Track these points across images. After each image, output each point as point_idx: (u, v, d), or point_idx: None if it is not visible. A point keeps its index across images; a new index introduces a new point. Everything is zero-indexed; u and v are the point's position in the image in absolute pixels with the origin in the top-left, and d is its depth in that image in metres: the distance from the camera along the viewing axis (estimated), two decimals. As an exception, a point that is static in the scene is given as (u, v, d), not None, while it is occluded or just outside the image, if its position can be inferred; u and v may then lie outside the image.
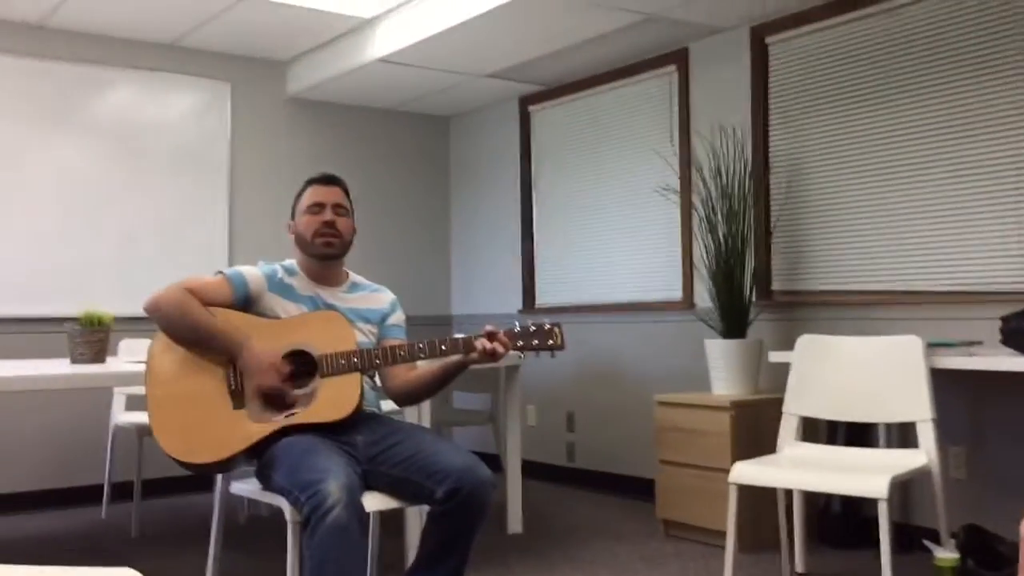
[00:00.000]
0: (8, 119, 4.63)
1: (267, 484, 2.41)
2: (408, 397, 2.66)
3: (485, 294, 5.88)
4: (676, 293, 4.63)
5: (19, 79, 4.66)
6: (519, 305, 5.58)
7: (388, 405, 2.83)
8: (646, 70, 4.80)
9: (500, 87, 5.35)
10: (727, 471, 2.87)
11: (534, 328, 2.50)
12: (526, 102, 5.55)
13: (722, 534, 3.03)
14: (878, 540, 2.60)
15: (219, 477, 2.67)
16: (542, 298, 5.49)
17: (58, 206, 4.74)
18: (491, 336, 2.43)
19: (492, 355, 2.42)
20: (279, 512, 2.33)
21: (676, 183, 4.59)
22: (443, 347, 2.47)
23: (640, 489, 4.64)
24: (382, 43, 4.63)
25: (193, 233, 5.12)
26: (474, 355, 2.43)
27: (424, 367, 2.62)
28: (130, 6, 4.45)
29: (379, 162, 5.77)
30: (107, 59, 4.89)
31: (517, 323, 2.50)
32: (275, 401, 2.41)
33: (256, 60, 5.33)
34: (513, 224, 5.65)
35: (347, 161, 5.59)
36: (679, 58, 4.62)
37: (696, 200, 4.26)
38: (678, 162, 4.61)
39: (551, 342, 2.50)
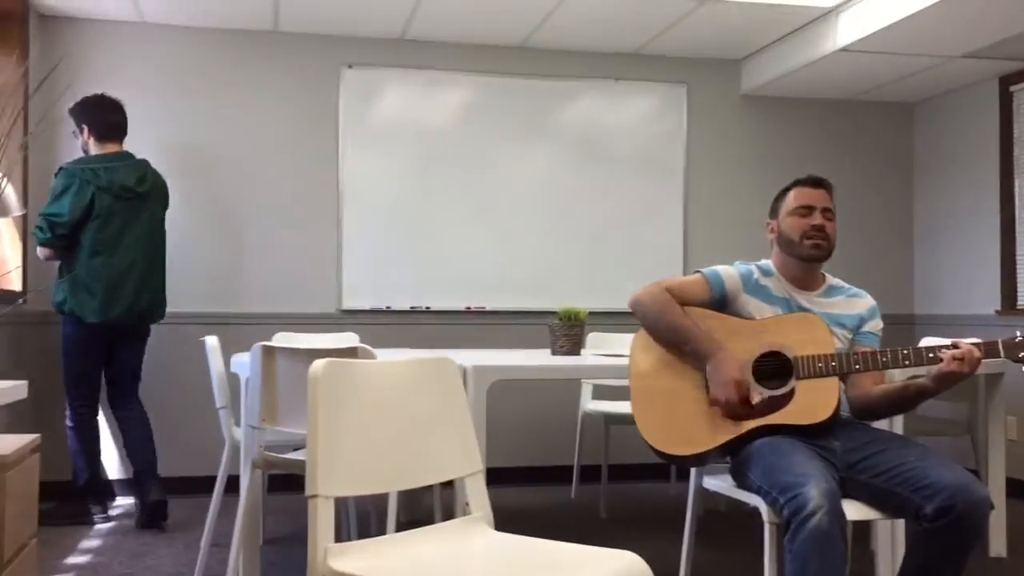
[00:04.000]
0: (491, 133, 5.19)
1: (742, 482, 2.44)
2: (867, 410, 2.54)
3: (954, 293, 5.41)
4: None
5: (502, 95, 5.21)
6: (996, 306, 5.05)
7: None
8: None
9: (976, 67, 4.88)
10: None
11: (1041, 337, 2.26)
12: (1007, 81, 5.00)
13: None
14: None
15: (693, 470, 2.77)
16: (1025, 298, 4.92)
17: (535, 208, 5.22)
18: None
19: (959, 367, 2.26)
20: (737, 509, 2.35)
21: None
22: (930, 355, 2.32)
23: None
24: (845, 32, 4.45)
25: (651, 233, 5.35)
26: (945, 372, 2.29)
27: (889, 384, 2.50)
28: (599, 22, 4.75)
29: (835, 155, 5.57)
30: (575, 72, 5.28)
31: (1019, 332, 2.29)
32: (747, 402, 2.43)
33: (711, 60, 5.41)
34: (989, 217, 5.12)
35: (801, 156, 5.47)
36: None
37: None
38: None
39: (1059, 355, 2.25)
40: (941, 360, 2.30)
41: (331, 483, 1.70)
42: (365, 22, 4.83)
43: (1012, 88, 4.98)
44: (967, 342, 2.30)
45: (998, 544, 3.63)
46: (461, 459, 1.97)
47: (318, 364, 1.75)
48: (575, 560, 1.71)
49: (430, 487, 3.62)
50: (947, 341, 2.35)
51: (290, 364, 2.73)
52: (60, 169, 4.07)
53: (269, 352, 2.77)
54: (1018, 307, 4.94)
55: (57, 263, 4.13)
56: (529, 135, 5.24)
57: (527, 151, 5.23)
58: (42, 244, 4.03)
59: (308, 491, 1.69)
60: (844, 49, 4.53)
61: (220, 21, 4.82)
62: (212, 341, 3.39)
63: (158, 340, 4.47)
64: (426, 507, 3.59)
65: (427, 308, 5.08)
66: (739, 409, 2.42)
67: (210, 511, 3.32)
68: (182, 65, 4.88)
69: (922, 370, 2.39)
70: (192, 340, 4.09)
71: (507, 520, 2.06)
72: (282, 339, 3.78)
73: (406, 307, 5.07)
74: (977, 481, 2.18)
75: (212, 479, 3.37)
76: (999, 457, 3.65)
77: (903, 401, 2.48)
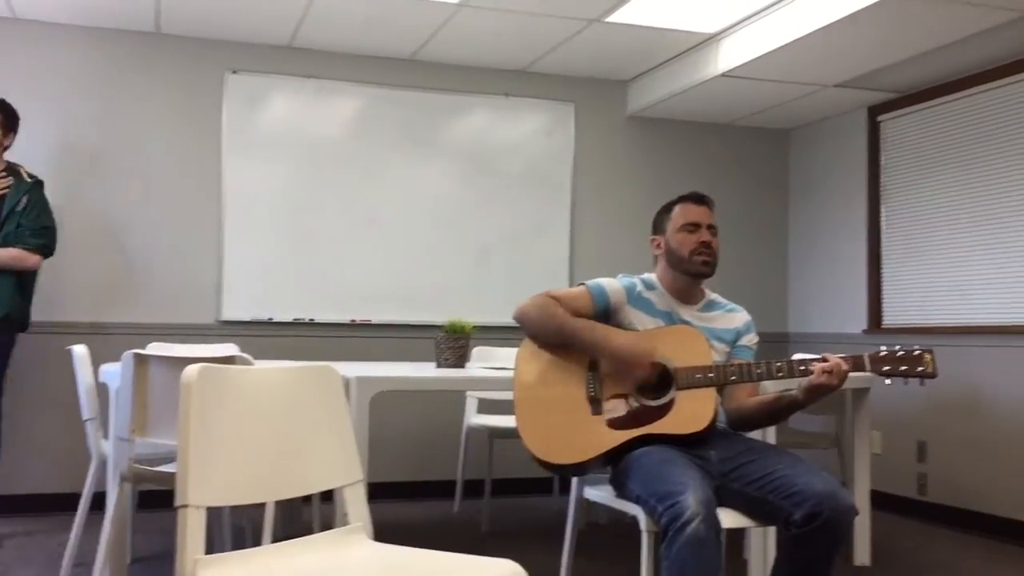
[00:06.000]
0: (381, 145, 5.16)
1: (621, 491, 2.48)
2: (742, 421, 2.63)
3: (825, 312, 5.64)
4: (1053, 316, 4.17)
5: (391, 107, 5.18)
6: (863, 325, 5.29)
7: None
8: (1017, 71, 4.38)
9: (847, 96, 5.13)
10: None
11: (902, 352, 2.38)
12: (876, 111, 5.27)
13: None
14: None
15: (574, 481, 2.79)
16: (889, 318, 5.17)
17: (423, 222, 5.20)
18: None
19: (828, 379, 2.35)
20: (618, 521, 2.38)
21: (1055, 194, 4.13)
22: (802, 368, 2.41)
23: (1006, 530, 4.22)
24: (726, 58, 4.61)
25: (538, 248, 5.40)
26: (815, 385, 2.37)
27: (763, 395, 2.59)
28: (489, 38, 4.79)
29: (716, 177, 5.74)
30: (465, 87, 5.30)
31: (883, 347, 2.40)
32: (631, 410, 2.48)
33: (598, 81, 5.52)
34: (857, 240, 5.37)
35: (683, 176, 5.61)
36: (1061, 56, 4.17)
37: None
38: (1058, 171, 4.15)
39: (921, 369, 2.38)
40: (812, 373, 2.39)
41: (202, 493, 1.64)
42: (251, 27, 4.73)
43: (879, 118, 5.25)
44: (835, 356, 2.39)
45: (863, 554, 3.78)
46: (340, 469, 1.94)
47: (191, 369, 1.69)
48: (453, 569, 1.70)
49: (309, 500, 3.55)
50: (818, 356, 2.44)
51: (163, 373, 2.64)
52: None
53: (142, 361, 2.66)
54: (883, 327, 5.18)
55: None
56: (418, 148, 5.22)
57: (416, 164, 5.21)
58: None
59: (178, 501, 1.63)
60: (725, 75, 4.69)
61: (98, 20, 4.64)
62: (80, 350, 3.24)
63: (24, 351, 4.24)
64: (305, 521, 3.51)
65: (311, 320, 4.99)
66: (646, 360, 2.46)
67: (74, 528, 3.16)
68: (58, 65, 4.67)
69: (794, 383, 2.48)
70: (61, 350, 3.90)
71: (388, 534, 2.03)
72: (156, 349, 3.64)
73: (289, 319, 4.96)
74: (843, 489, 2.27)
75: (78, 496, 3.21)
76: (864, 469, 3.81)
77: (776, 412, 2.57)
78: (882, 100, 5.18)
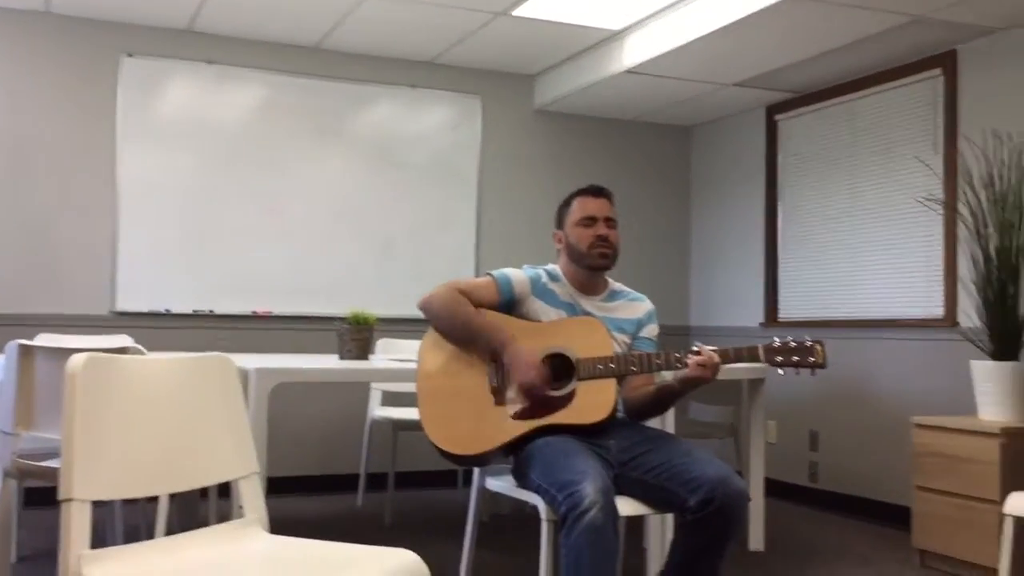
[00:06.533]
0: (285, 133, 5.07)
1: (522, 481, 2.49)
2: (641, 410, 2.67)
3: (724, 306, 5.78)
4: (936, 310, 4.35)
5: (296, 96, 5.09)
6: (760, 318, 5.44)
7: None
8: (908, 74, 4.55)
9: (746, 96, 5.26)
10: (995, 502, 2.69)
11: (795, 344, 2.45)
12: (773, 110, 5.42)
13: (985, 568, 2.82)
14: None
15: (476, 472, 2.79)
16: (785, 312, 5.33)
17: (328, 212, 5.13)
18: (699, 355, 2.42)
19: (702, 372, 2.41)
20: (521, 511, 2.40)
21: (939, 192, 4.32)
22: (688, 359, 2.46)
23: (891, 515, 4.40)
24: (631, 54, 4.67)
25: (444, 240, 5.39)
26: (690, 373, 2.43)
27: (648, 385, 2.64)
28: (396, 28, 4.75)
29: (620, 172, 5.82)
30: (372, 77, 5.24)
31: (777, 338, 2.46)
32: (533, 400, 2.49)
33: (505, 74, 5.53)
34: (756, 236, 5.52)
35: (589, 171, 5.66)
36: (946, 61, 4.35)
37: (963, 210, 3.99)
38: (943, 170, 4.34)
39: (812, 359, 2.45)
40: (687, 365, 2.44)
41: (88, 486, 1.59)
42: (147, 8, 4.59)
43: (777, 117, 5.40)
44: (708, 349, 2.44)
45: (756, 539, 3.90)
46: (235, 461, 1.90)
47: (76, 359, 1.63)
48: (350, 559, 1.68)
49: (205, 494, 3.47)
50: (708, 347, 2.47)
51: (51, 365, 2.54)
52: None
53: (27, 352, 2.56)
54: (779, 320, 5.34)
55: None
56: (323, 138, 5.15)
57: (321, 154, 5.14)
58: None
59: (62, 495, 1.57)
60: (629, 71, 4.76)
61: (-17, -4, 4.44)
62: (-39, 341, 3.09)
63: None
64: (202, 516, 3.43)
65: (211, 312, 4.87)
66: (540, 391, 2.46)
67: (-46, 528, 3.01)
68: (-63, 41, 4.45)
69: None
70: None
71: (288, 528, 2.00)
72: (44, 339, 3.50)
73: (188, 311, 4.84)
74: (735, 475, 2.33)
75: (-43, 493, 3.07)
76: (759, 458, 3.92)
77: (660, 401, 2.61)
78: (779, 100, 5.33)
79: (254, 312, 4.95)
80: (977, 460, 3.46)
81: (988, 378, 3.59)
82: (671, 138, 6.06)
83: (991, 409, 3.58)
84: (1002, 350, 3.60)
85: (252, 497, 1.89)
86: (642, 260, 5.83)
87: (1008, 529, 2.64)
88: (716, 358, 2.42)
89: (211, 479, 1.87)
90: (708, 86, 5.08)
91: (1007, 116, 4.04)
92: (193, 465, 1.83)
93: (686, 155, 6.12)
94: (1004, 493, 2.68)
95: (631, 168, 5.90)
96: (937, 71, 4.40)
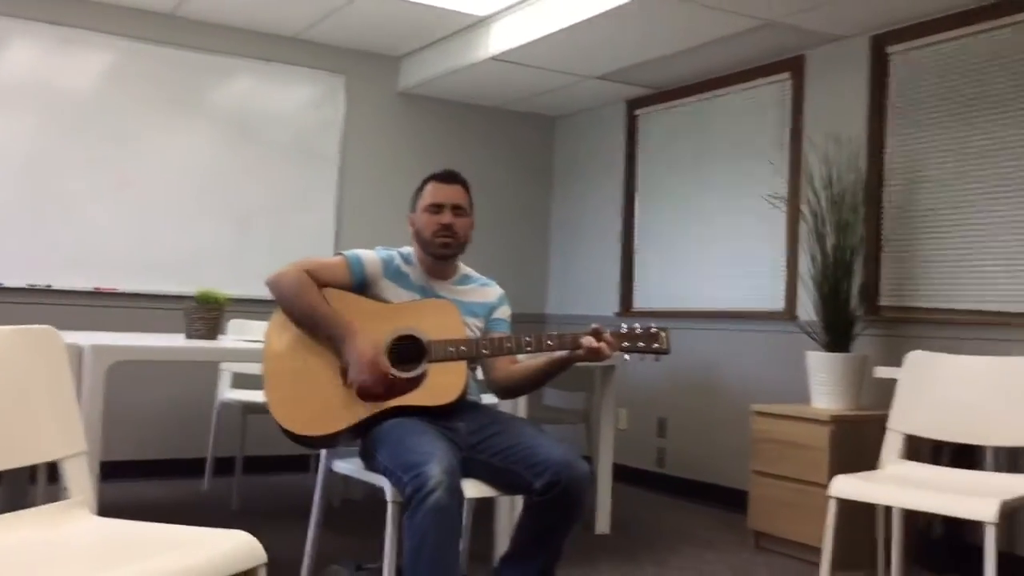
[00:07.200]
0: (136, 103, 4.85)
1: (370, 464, 2.47)
2: (509, 390, 2.70)
3: (582, 295, 5.89)
4: (778, 303, 4.56)
5: (148, 64, 4.87)
6: (616, 308, 5.57)
7: (488, 399, 2.87)
8: (759, 76, 4.74)
9: (608, 89, 5.36)
10: (823, 486, 2.84)
11: (640, 331, 2.51)
12: (633, 105, 5.55)
13: (814, 549, 2.98)
14: (978, 568, 2.52)
15: (322, 455, 2.75)
16: (639, 302, 5.47)
17: (181, 187, 4.94)
18: (597, 334, 2.44)
19: (597, 353, 2.43)
20: (373, 496, 2.38)
21: (784, 191, 4.53)
22: (549, 342, 2.49)
23: (731, 500, 4.59)
24: (496, 41, 4.69)
25: (302, 220, 5.27)
26: (580, 352, 2.45)
27: (526, 362, 2.65)
28: (258, 0, 4.62)
29: (483, 159, 5.84)
30: (231, 49, 5.07)
31: (624, 324, 2.52)
32: (383, 381, 2.47)
33: (370, 55, 5.45)
34: (613, 227, 5.65)
35: (453, 156, 5.66)
36: (794, 65, 4.55)
37: (805, 209, 4.19)
38: (788, 170, 4.54)
39: (656, 346, 2.51)
40: (554, 348, 2.47)
41: None
42: (-13, -38, 4.30)
43: (636, 112, 5.53)
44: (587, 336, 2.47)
45: (603, 523, 3.99)
46: (59, 440, 1.80)
47: None
48: (178, 541, 1.63)
49: (34, 478, 3.29)
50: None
51: None
52: None
53: None
54: (633, 310, 5.48)
55: None
56: (177, 109, 4.95)
57: (175, 126, 4.94)
58: None
59: None
60: (494, 58, 4.77)
61: None
62: None
63: None
64: (29, 501, 3.25)
65: (48, 287, 4.62)
66: (376, 389, 2.44)
67: None
68: None
69: (542, 356, 2.55)
70: None
71: (127, 513, 1.91)
72: None
73: (22, 284, 4.57)
74: (580, 459, 2.37)
75: None
76: (608, 444, 4.02)
77: (544, 374, 2.58)
78: (639, 95, 5.46)
79: (97, 288, 4.72)
80: (809, 446, 3.65)
81: (822, 368, 3.79)
82: (535, 127, 6.12)
83: (824, 398, 3.79)
84: (835, 342, 3.81)
85: (78, 478, 1.81)
86: (502, 248, 5.88)
87: (832, 510, 2.80)
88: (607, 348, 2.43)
89: (33, 458, 1.77)
90: (571, 77, 5.15)
91: (846, 120, 4.27)
92: (11, 443, 1.72)
93: (549, 145, 6.19)
94: (832, 477, 2.83)
95: (494, 155, 5.93)
96: (786, 75, 4.60)
